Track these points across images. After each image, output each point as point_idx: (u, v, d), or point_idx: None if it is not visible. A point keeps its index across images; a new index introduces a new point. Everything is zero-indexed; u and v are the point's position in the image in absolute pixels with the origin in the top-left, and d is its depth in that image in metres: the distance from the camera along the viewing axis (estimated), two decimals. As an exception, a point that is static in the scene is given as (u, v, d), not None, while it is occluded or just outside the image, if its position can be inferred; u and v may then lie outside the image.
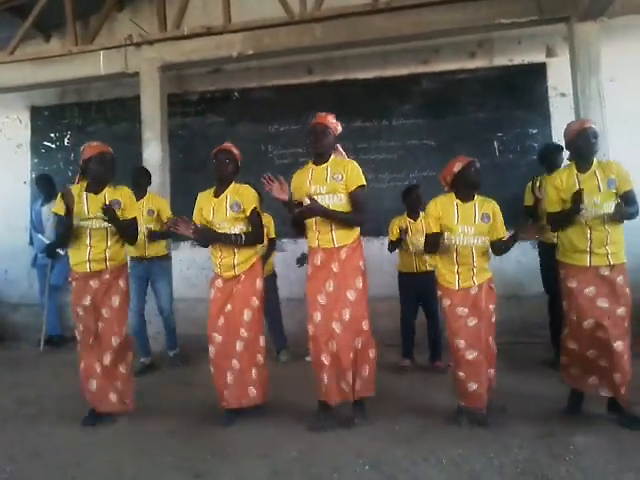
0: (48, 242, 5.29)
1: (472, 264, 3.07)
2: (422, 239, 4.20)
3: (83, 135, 6.29)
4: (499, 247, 3.14)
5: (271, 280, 4.65)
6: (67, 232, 3.25)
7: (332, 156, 3.20)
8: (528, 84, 5.45)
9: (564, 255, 3.11)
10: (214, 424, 3.23)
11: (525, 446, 2.77)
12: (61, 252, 5.20)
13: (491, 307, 3.12)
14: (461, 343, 3.03)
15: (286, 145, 5.81)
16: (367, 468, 2.62)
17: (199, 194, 3.45)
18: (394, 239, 4.33)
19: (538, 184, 4.19)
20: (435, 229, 3.15)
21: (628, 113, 4.96)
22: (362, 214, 3.15)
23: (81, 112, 6.39)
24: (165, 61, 5.29)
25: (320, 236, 3.14)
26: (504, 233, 3.13)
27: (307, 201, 3.07)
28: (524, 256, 5.13)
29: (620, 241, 3.00)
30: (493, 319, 3.13)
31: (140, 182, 4.49)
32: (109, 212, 3.21)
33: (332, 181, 3.11)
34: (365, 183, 3.15)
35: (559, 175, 3.12)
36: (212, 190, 3.39)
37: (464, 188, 3.13)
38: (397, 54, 5.60)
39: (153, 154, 5.19)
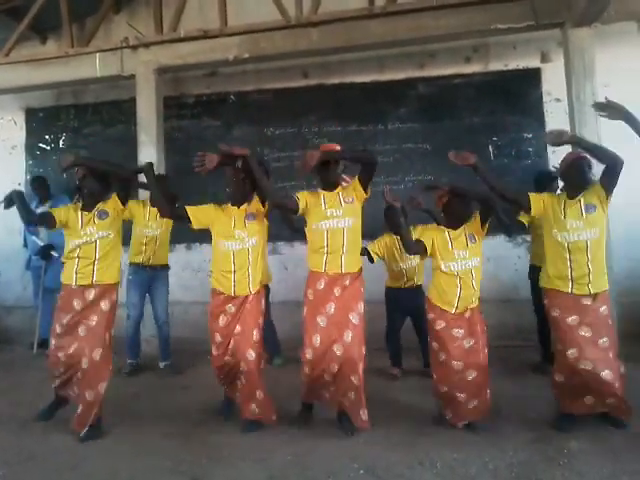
0: (42, 244, 5.28)
1: (472, 288, 3.11)
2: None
3: (78, 137, 6.30)
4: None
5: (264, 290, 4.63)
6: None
7: (339, 186, 3.28)
8: (523, 89, 5.48)
9: (548, 281, 3.11)
10: (210, 427, 3.22)
11: (520, 450, 2.78)
12: (55, 254, 5.21)
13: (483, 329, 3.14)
14: (459, 365, 3.04)
15: (282, 148, 5.81)
16: (362, 472, 2.63)
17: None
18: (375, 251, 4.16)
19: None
20: (422, 239, 3.19)
21: (622, 118, 4.98)
22: None
23: (77, 114, 6.36)
24: (161, 64, 5.29)
25: (329, 259, 3.16)
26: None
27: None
28: (519, 261, 5.17)
29: (602, 269, 3.00)
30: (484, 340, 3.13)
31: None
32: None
33: (345, 204, 3.21)
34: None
35: (556, 197, 3.16)
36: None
37: (450, 218, 3.22)
38: (393, 58, 5.62)
39: (149, 157, 5.15)
